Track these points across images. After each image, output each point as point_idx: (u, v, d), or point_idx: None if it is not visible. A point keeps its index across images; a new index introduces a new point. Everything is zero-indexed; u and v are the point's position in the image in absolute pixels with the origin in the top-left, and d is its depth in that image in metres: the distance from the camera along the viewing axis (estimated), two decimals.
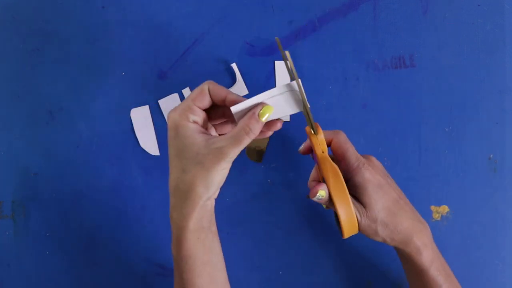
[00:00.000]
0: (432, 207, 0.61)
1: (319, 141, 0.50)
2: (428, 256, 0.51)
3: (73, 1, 0.62)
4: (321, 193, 0.49)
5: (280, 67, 0.61)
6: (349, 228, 0.50)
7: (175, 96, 0.61)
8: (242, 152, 0.61)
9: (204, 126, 0.49)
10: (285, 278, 0.61)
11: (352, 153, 0.51)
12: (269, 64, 0.61)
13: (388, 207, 0.50)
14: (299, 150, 0.54)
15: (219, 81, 0.61)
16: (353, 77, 0.61)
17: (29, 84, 0.62)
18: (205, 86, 0.48)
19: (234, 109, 0.47)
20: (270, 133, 0.49)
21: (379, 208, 0.50)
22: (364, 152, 0.56)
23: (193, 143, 0.46)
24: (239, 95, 0.48)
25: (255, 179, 0.61)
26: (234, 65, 0.61)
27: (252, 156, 0.60)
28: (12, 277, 0.61)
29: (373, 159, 0.53)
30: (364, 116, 0.61)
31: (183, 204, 0.47)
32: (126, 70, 0.61)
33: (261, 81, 0.61)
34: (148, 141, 0.61)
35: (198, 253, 0.48)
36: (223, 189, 0.58)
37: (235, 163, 0.61)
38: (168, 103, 0.61)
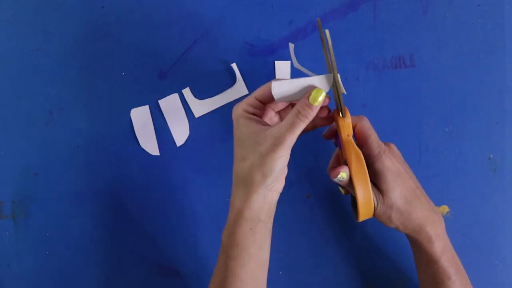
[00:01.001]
0: None
1: (346, 124, 0.50)
2: (440, 246, 0.51)
3: (73, 1, 0.62)
4: (342, 175, 0.49)
5: (280, 67, 0.61)
6: (365, 211, 0.50)
7: (175, 96, 0.61)
8: None
9: (266, 118, 0.51)
10: (285, 278, 0.61)
11: (374, 139, 0.51)
12: (269, 64, 0.61)
13: (405, 196, 0.51)
14: (323, 135, 0.55)
15: (219, 81, 0.61)
16: (353, 77, 0.61)
17: (29, 84, 0.62)
18: (271, 82, 0.49)
19: (276, 91, 0.48)
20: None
21: (396, 196, 0.50)
22: None
23: (252, 132, 0.47)
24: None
25: None
26: (234, 65, 0.61)
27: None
28: (12, 277, 0.61)
29: (393, 146, 0.54)
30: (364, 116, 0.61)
31: (242, 191, 0.48)
32: (126, 70, 0.61)
33: (261, 81, 0.61)
34: (148, 141, 0.61)
35: (247, 243, 0.48)
36: (223, 189, 0.58)
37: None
38: (168, 103, 0.61)
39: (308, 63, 0.61)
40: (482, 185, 0.61)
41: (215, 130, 0.61)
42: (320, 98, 0.47)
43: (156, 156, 0.61)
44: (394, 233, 0.61)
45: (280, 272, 0.61)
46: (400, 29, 0.61)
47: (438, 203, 0.61)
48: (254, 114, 0.50)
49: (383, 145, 0.52)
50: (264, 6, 0.61)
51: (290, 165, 0.61)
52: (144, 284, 0.61)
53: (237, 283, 0.49)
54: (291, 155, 0.61)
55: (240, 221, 0.48)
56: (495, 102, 0.61)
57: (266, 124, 0.49)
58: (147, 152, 0.61)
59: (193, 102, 0.61)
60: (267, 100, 0.50)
